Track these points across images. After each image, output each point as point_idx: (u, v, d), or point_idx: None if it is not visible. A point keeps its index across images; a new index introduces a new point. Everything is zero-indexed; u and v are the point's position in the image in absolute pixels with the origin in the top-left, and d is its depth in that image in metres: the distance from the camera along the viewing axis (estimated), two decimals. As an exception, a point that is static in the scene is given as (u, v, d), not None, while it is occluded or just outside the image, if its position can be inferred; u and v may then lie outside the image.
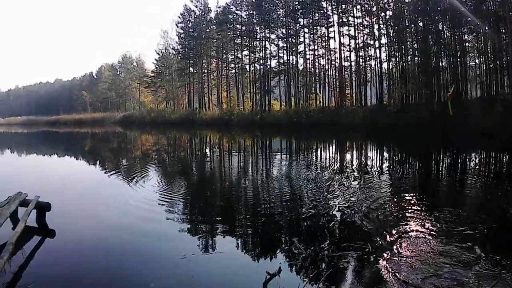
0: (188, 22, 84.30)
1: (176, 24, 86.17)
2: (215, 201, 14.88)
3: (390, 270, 7.29)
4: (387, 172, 18.81)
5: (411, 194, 13.70)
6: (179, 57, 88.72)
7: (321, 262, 8.12)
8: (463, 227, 9.34)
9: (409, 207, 11.76)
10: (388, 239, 8.87)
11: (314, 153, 30.72)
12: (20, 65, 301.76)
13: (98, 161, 30.45)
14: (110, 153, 37.44)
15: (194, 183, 19.48)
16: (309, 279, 7.19)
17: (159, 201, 14.06)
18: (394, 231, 9.34)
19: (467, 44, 48.86)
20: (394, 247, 8.38)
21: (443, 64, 50.77)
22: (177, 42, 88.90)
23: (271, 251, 9.10)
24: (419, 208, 11.58)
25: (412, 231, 9.37)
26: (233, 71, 78.66)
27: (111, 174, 21.97)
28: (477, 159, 22.73)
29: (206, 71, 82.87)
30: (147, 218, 11.98)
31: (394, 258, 7.79)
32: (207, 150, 37.56)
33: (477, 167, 19.95)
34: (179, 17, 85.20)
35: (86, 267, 8.45)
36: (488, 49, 46.23)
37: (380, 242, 8.75)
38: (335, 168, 21.23)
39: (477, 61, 49.98)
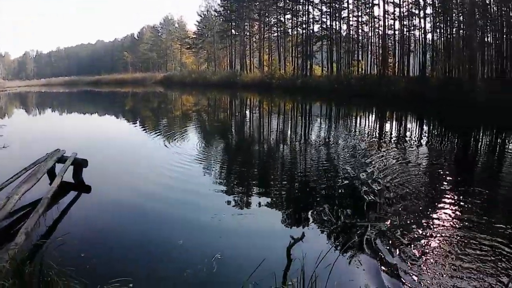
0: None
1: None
2: (250, 164, 15.29)
3: (412, 251, 7.36)
4: (426, 146, 18.53)
5: (448, 172, 13.57)
6: (221, 19, 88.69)
7: (347, 232, 8.31)
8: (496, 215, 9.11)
9: (444, 186, 11.64)
10: (417, 218, 8.88)
11: (354, 120, 30.70)
12: (61, 27, 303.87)
13: (138, 120, 31.25)
14: (150, 112, 38.61)
15: (231, 145, 19.92)
16: (333, 247, 7.53)
17: (195, 162, 14.63)
18: (425, 211, 9.34)
19: None
20: (422, 228, 8.38)
21: (489, 39, 48.75)
22: (219, 4, 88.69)
23: (300, 216, 9.46)
24: (454, 188, 11.43)
25: (443, 213, 9.26)
26: (275, 34, 77.79)
27: (150, 134, 22.72)
28: None
29: (248, 33, 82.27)
30: (182, 178, 12.50)
31: (420, 240, 7.82)
32: (247, 112, 38.03)
33: None
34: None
35: (118, 223, 9.03)
36: None
37: (409, 219, 8.81)
38: (373, 138, 21.16)
39: None
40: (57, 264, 5.29)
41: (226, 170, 13.93)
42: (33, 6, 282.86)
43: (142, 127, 26.46)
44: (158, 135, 21.67)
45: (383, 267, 6.81)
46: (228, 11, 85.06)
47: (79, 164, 12.04)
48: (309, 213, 9.30)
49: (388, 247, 7.47)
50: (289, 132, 24.03)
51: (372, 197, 10.32)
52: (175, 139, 19.39)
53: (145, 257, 7.21)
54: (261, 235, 8.34)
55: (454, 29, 52.80)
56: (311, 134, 23.00)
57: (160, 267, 6.84)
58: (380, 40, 62.21)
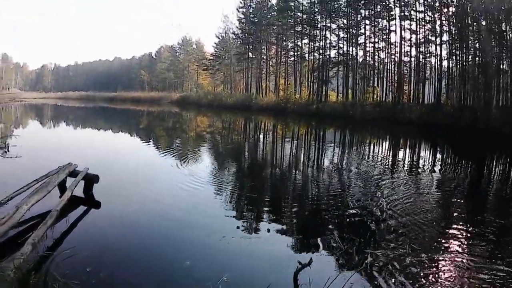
0: (249, 7, 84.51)
1: (237, 9, 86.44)
2: (262, 188, 15.18)
3: (422, 280, 7.28)
4: (438, 174, 18.25)
5: (461, 201, 13.42)
6: (239, 42, 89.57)
7: (355, 259, 8.13)
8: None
9: (456, 215, 11.56)
10: (428, 247, 8.74)
11: (367, 147, 30.49)
12: (80, 42, 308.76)
13: (152, 139, 31.33)
14: (164, 132, 38.64)
15: (244, 168, 19.76)
16: (340, 274, 7.28)
17: (207, 184, 14.54)
18: (435, 240, 9.23)
19: None
20: (432, 257, 8.25)
21: (504, 67, 48.83)
22: (237, 27, 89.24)
23: (308, 242, 9.33)
24: (465, 216, 11.38)
25: (454, 243, 9.15)
26: (292, 58, 78.01)
27: (163, 153, 22.76)
28: None
29: (265, 57, 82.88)
30: (192, 199, 12.47)
31: (430, 269, 7.74)
32: (261, 136, 37.94)
33: None
34: (240, 2, 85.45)
35: (126, 240, 8.96)
36: None
37: (419, 248, 8.65)
38: (386, 165, 21.02)
39: None
40: (62, 276, 5.42)
41: (237, 194, 13.89)
42: (33, 6, 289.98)
43: (155, 146, 26.52)
44: (171, 155, 21.71)
45: None
46: (246, 34, 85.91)
47: (90, 179, 12.13)
48: (318, 239, 9.25)
49: (397, 276, 7.41)
50: (302, 157, 23.91)
51: (382, 225, 10.31)
52: (187, 160, 19.32)
53: (151, 276, 7.20)
54: (269, 259, 8.24)
55: (470, 56, 52.94)
56: (323, 160, 22.85)
57: (167, 286, 6.89)
58: (396, 67, 62.49)
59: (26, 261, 6.14)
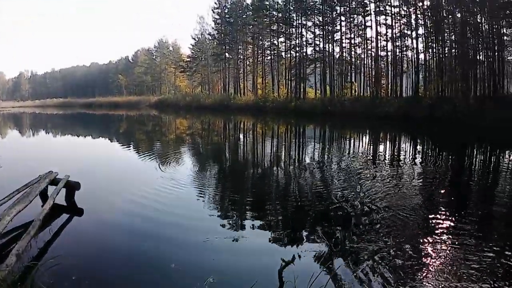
0: (224, 8, 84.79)
1: (212, 10, 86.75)
2: (244, 187, 15.18)
3: (406, 271, 7.31)
4: (420, 167, 18.21)
5: (442, 191, 13.54)
6: (215, 43, 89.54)
7: (339, 254, 8.24)
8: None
9: (438, 205, 11.59)
10: (411, 238, 8.82)
11: (348, 142, 30.71)
12: (56, 48, 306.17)
13: (132, 143, 30.97)
14: (144, 135, 38.27)
15: (225, 168, 19.75)
16: (325, 270, 7.40)
17: (189, 185, 14.45)
18: (418, 231, 9.33)
19: (505, 38, 47.73)
20: (415, 248, 8.33)
21: (481, 57, 49.52)
22: (213, 28, 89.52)
23: (292, 239, 9.32)
24: (447, 206, 11.38)
25: (436, 232, 9.22)
26: (269, 57, 78.33)
27: (143, 157, 22.33)
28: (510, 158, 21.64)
29: (241, 57, 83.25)
30: (175, 201, 12.39)
31: (414, 260, 7.76)
32: (241, 136, 37.97)
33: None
34: (215, 2, 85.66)
35: (110, 246, 8.86)
36: None
37: (402, 240, 8.74)
38: (367, 159, 20.95)
39: None
40: (47, 286, 5.46)
41: (220, 194, 13.82)
42: (33, 6, 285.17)
43: (135, 150, 26.19)
44: (151, 158, 21.51)
45: (372, 286, 6.78)
46: (222, 35, 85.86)
47: (72, 187, 11.95)
48: (302, 235, 9.33)
49: (381, 269, 7.40)
50: (282, 155, 23.95)
51: (365, 218, 10.33)
52: (169, 163, 19.24)
53: (136, 281, 7.16)
54: (253, 258, 8.28)
55: (446, 48, 53.62)
56: (304, 157, 22.95)
57: None
58: (373, 62, 62.88)
59: (11, 273, 6.11)
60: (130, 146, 29.07)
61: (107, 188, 14.50)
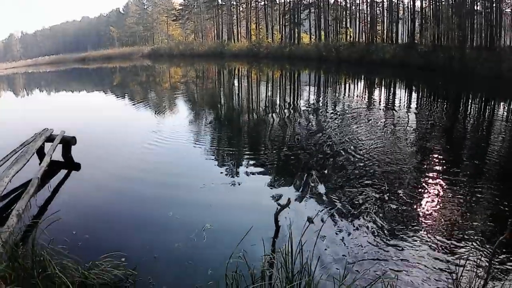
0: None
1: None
2: (239, 134, 15.56)
3: (400, 215, 7.54)
4: (414, 115, 18.42)
5: (437, 141, 13.63)
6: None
7: (334, 197, 8.42)
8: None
9: (431, 152, 11.93)
10: (404, 184, 9.07)
11: (343, 87, 30.92)
12: (46, 6, 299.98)
13: (126, 95, 30.84)
14: (138, 86, 38.31)
15: (220, 116, 19.95)
16: (320, 213, 7.64)
17: (185, 134, 14.84)
18: (411, 177, 9.56)
19: None
20: (408, 194, 8.52)
21: (478, 8, 48.71)
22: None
23: (288, 183, 9.48)
24: (442, 157, 11.48)
25: (429, 179, 9.45)
26: (263, 3, 76.84)
27: (138, 108, 22.56)
28: (505, 108, 21.77)
29: (234, 2, 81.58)
30: (171, 150, 12.75)
31: (407, 206, 7.95)
32: (236, 82, 38.39)
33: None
34: None
35: (108, 199, 9.05)
36: None
37: (396, 185, 8.99)
38: (362, 104, 21.11)
39: None
40: (49, 243, 5.39)
41: (216, 141, 14.08)
42: None
43: (130, 102, 26.15)
44: (147, 109, 21.94)
45: (368, 231, 7.06)
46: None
47: (68, 142, 12.16)
48: (297, 179, 9.58)
49: (375, 212, 7.66)
50: (277, 100, 24.12)
51: (360, 163, 10.65)
52: (164, 113, 19.93)
53: (136, 231, 7.35)
54: (250, 203, 8.46)
55: None
56: (299, 102, 23.16)
57: (152, 240, 6.94)
58: (369, 8, 61.83)
59: (12, 234, 6.14)
60: (124, 98, 28.98)
61: (103, 141, 14.66)
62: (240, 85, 35.15)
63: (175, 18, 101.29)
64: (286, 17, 70.55)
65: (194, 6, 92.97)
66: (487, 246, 6.46)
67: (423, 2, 55.52)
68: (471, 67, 34.83)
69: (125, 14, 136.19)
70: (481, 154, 11.87)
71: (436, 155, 11.54)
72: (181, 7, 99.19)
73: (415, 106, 20.99)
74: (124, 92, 33.13)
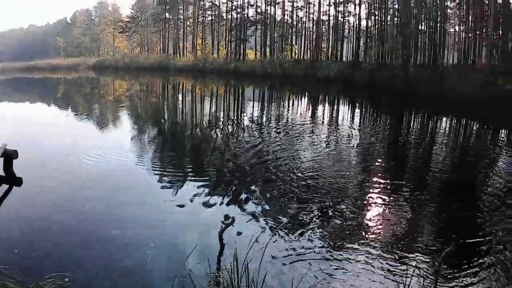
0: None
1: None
2: (183, 150, 15.33)
3: (345, 229, 7.60)
4: (358, 129, 18.94)
5: (380, 156, 13.95)
6: (155, 2, 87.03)
7: (278, 213, 8.36)
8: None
9: (373, 162, 12.44)
10: (348, 198, 9.18)
11: (287, 103, 31.38)
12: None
13: (70, 107, 29.95)
14: (82, 99, 37.24)
15: (164, 131, 19.75)
16: (265, 229, 7.55)
17: (128, 149, 14.48)
18: (358, 193, 9.60)
19: (448, 10, 48.95)
20: (354, 208, 8.55)
21: (422, 27, 50.70)
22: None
23: (232, 200, 9.24)
24: (382, 162, 12.24)
25: (375, 194, 9.55)
26: (210, 18, 77.22)
27: (82, 121, 22.05)
28: (447, 124, 22.83)
29: (182, 17, 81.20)
30: (114, 166, 12.27)
31: (353, 220, 8.01)
32: (180, 97, 38.05)
33: (446, 132, 20.05)
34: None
35: (52, 216, 8.53)
36: (469, 18, 46.30)
37: (341, 201, 8.93)
38: (306, 121, 21.26)
39: (456, 28, 50.23)
40: None
41: (159, 158, 13.86)
42: None
43: (74, 115, 25.46)
44: (90, 123, 21.43)
45: (314, 246, 6.99)
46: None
47: (9, 156, 11.10)
48: (241, 197, 9.44)
49: (320, 228, 7.69)
50: (221, 116, 24.24)
51: (303, 179, 10.59)
52: (108, 127, 19.48)
53: (80, 251, 7.03)
54: (194, 221, 8.27)
55: (389, 17, 54.66)
56: (243, 118, 23.22)
57: (96, 259, 6.69)
58: (314, 26, 62.75)
59: None
60: (68, 111, 28.17)
61: (46, 155, 13.99)
62: (184, 100, 34.99)
63: (122, 30, 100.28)
64: (232, 33, 71.03)
65: (141, 19, 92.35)
66: (433, 258, 6.60)
67: (369, 21, 57.23)
68: (414, 86, 35.47)
69: (72, 24, 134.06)
70: (424, 168, 12.33)
71: (379, 169, 11.77)
72: (128, 20, 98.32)
73: (358, 122, 21.63)
74: (68, 104, 32.11)
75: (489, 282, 6.13)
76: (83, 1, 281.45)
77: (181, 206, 8.87)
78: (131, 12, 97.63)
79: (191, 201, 9.17)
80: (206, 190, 9.89)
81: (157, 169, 12.17)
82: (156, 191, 9.88)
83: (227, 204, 9.03)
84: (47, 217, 8.50)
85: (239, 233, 7.09)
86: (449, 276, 6.19)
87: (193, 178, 11.06)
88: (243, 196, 9.45)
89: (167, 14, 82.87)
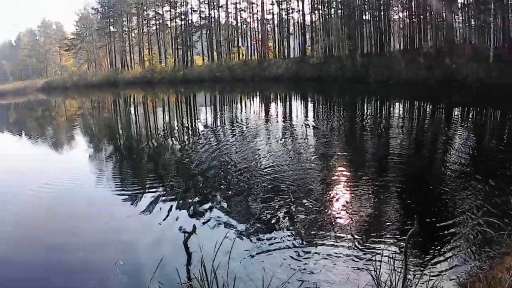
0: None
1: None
2: (140, 163, 15.16)
3: (308, 224, 7.72)
4: (313, 121, 19.34)
5: (337, 147, 14.28)
6: (99, 17, 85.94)
7: (240, 217, 8.50)
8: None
9: (335, 161, 12.11)
10: (311, 195, 9.18)
11: (239, 105, 31.83)
12: None
13: (23, 132, 29.56)
14: (34, 122, 36.57)
15: (119, 146, 19.68)
16: (229, 234, 7.43)
17: (85, 169, 14.25)
18: (318, 187, 9.76)
19: None
20: (315, 202, 8.72)
21: (367, 17, 52.01)
22: (96, 1, 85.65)
23: (193, 209, 9.36)
24: (344, 161, 12.02)
25: (335, 185, 9.80)
26: (154, 27, 76.89)
27: (36, 145, 21.70)
28: (398, 107, 23.98)
29: (126, 29, 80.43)
30: (71, 188, 11.96)
31: (315, 213, 8.15)
32: (131, 110, 37.99)
33: (400, 115, 21.10)
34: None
35: (15, 246, 8.31)
36: (413, 4, 47.62)
37: (302, 196, 9.06)
38: (259, 120, 21.74)
39: (400, 15, 51.86)
40: None
41: (116, 175, 13.67)
42: None
43: (28, 139, 25.00)
44: (44, 146, 21.10)
45: (281, 243, 7.17)
46: (106, 8, 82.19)
47: None
48: (202, 204, 9.57)
49: (283, 224, 7.86)
50: (175, 124, 24.36)
51: (262, 178, 10.75)
52: (62, 148, 19.26)
53: (46, 273, 6.96)
54: (157, 234, 8.23)
55: (332, 9, 55.54)
56: (197, 124, 23.54)
57: (65, 281, 6.65)
58: (259, 25, 63.00)
59: None
60: (21, 136, 27.72)
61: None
62: (136, 112, 34.89)
63: (67, 48, 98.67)
64: (178, 40, 70.83)
65: (86, 34, 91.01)
66: (400, 240, 6.84)
67: (313, 16, 57.60)
68: (362, 75, 35.98)
69: (17, 46, 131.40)
70: (383, 153, 12.75)
71: (339, 160, 12.05)
72: (73, 36, 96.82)
73: (312, 115, 22.03)
74: (20, 129, 31.53)
75: (454, 254, 6.44)
76: (27, 22, 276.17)
77: (144, 221, 8.89)
78: (76, 29, 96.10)
79: (153, 214, 9.16)
80: (167, 202, 9.86)
81: (115, 187, 12.01)
82: (117, 209, 9.83)
83: (189, 213, 9.08)
84: (8, 249, 8.19)
85: (204, 240, 6.97)
86: (417, 254, 6.52)
87: (152, 191, 10.92)
88: (205, 202, 9.54)
89: (111, 28, 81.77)
